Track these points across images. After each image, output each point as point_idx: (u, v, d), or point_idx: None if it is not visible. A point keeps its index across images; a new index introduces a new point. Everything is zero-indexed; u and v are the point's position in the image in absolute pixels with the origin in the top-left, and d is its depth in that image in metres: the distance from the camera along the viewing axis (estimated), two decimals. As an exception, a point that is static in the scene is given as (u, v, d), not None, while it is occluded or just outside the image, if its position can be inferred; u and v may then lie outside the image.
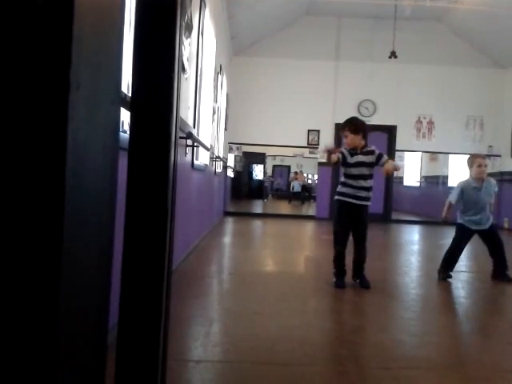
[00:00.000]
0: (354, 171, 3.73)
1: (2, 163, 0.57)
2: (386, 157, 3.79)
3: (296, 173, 19.32)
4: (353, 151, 3.76)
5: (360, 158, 3.74)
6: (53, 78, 0.58)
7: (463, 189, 4.19)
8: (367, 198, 3.76)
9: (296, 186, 17.92)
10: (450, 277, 4.11)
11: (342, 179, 3.82)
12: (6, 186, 0.57)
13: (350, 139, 3.74)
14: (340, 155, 3.71)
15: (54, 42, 0.58)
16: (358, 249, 3.76)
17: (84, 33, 0.62)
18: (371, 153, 3.77)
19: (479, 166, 4.13)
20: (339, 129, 3.82)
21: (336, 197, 3.85)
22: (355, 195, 3.72)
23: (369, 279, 3.70)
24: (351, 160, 3.73)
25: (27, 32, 0.57)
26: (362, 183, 3.72)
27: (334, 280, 3.70)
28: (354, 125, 3.77)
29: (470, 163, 4.21)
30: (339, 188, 3.83)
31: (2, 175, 0.57)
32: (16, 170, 0.57)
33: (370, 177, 3.76)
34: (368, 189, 3.75)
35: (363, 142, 3.78)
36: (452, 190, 4.35)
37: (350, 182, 3.74)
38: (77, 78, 0.60)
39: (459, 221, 4.26)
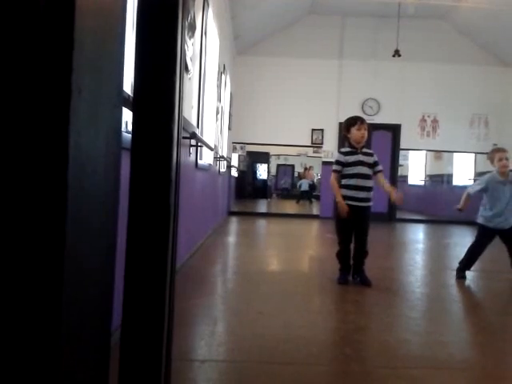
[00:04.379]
0: (352, 170, 3.75)
1: (4, 167, 0.57)
2: (380, 166, 3.88)
3: (305, 169, 18.97)
4: (352, 150, 3.79)
5: (360, 157, 3.77)
6: (54, 83, 0.58)
7: (488, 183, 4.07)
8: (368, 199, 3.77)
9: (304, 185, 17.55)
10: (464, 277, 4.09)
11: (343, 181, 3.81)
12: (9, 189, 0.57)
13: (366, 136, 3.79)
14: (337, 174, 3.80)
15: (56, 47, 0.58)
16: (358, 247, 3.78)
17: (85, 37, 0.62)
18: (370, 155, 3.84)
19: (500, 159, 4.03)
20: (353, 122, 3.82)
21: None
22: (357, 197, 3.73)
23: (374, 278, 3.70)
24: (349, 159, 3.76)
25: (28, 37, 0.57)
26: (362, 183, 3.74)
27: (337, 277, 3.74)
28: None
29: (491, 159, 4.12)
30: (341, 191, 3.81)
31: (4, 179, 0.57)
32: (19, 173, 0.57)
33: (369, 177, 3.79)
34: (369, 189, 3.77)
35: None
36: (474, 182, 4.20)
37: (350, 182, 3.75)
38: (78, 82, 0.60)
39: (479, 220, 4.15)
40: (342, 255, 3.79)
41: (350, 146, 3.83)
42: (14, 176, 0.57)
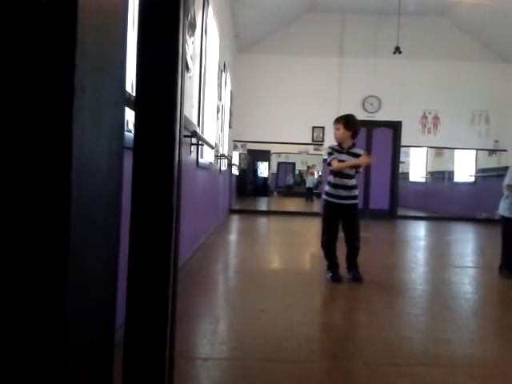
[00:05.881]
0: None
1: (8, 166, 0.57)
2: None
3: (308, 167, 18.92)
4: (339, 148, 3.82)
5: (344, 157, 3.78)
6: (58, 82, 0.58)
7: None
8: (351, 197, 3.79)
9: (309, 182, 17.54)
10: None
11: (329, 178, 3.88)
12: (12, 188, 0.58)
13: (340, 133, 3.79)
14: (334, 158, 3.79)
15: (59, 46, 0.58)
16: (349, 245, 3.81)
17: (88, 36, 0.62)
18: (357, 156, 3.81)
19: None
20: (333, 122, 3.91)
21: (323, 196, 3.95)
22: (337, 195, 3.78)
23: (375, 275, 3.70)
24: (338, 157, 3.80)
25: (32, 36, 0.57)
26: (343, 182, 3.78)
27: (330, 275, 3.75)
28: (346, 120, 3.81)
29: None
30: (325, 187, 3.92)
31: (8, 178, 0.57)
32: (22, 172, 0.58)
33: (351, 176, 3.82)
34: (350, 188, 3.79)
35: (351, 142, 3.81)
36: (507, 173, 4.02)
37: (334, 180, 3.80)
38: (81, 81, 0.60)
39: (505, 214, 4.05)
40: (325, 246, 3.84)
41: (338, 144, 3.87)
42: (18, 175, 0.58)
